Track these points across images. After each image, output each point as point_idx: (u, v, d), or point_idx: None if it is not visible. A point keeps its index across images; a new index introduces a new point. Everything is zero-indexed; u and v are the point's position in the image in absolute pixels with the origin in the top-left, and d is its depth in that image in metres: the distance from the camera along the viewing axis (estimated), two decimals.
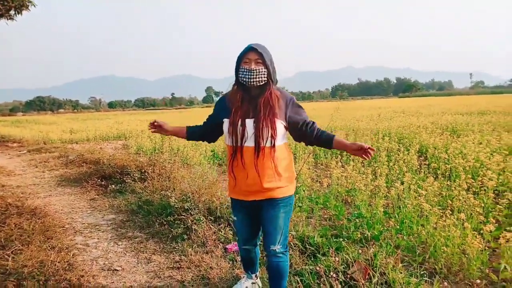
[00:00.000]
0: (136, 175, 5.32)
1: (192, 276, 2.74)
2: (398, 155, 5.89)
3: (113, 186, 5.24)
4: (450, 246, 2.67)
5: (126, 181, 5.18)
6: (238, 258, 2.95)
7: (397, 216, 3.57)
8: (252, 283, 2.47)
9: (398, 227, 3.27)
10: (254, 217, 2.19)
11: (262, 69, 1.98)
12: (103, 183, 5.44)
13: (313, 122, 2.10)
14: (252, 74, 1.96)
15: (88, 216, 4.27)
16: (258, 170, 1.98)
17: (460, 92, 76.83)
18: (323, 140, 2.06)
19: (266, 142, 1.96)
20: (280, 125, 2.00)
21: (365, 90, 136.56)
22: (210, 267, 2.81)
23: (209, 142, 2.32)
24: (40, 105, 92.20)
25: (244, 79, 1.99)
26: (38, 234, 3.35)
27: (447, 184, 4.09)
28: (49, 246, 3.16)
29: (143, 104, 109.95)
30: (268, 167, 2.00)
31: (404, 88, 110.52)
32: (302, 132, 2.08)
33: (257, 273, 2.52)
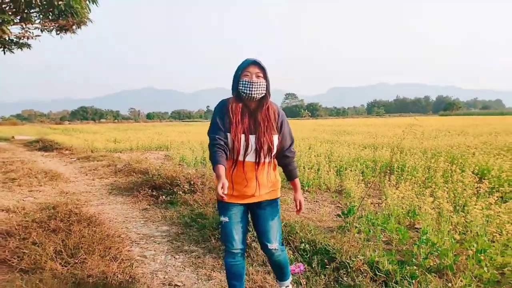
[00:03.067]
0: (186, 186, 5.31)
1: None
2: (453, 176, 5.51)
3: (163, 197, 5.26)
4: None
5: (177, 192, 5.17)
6: (304, 281, 2.78)
7: (474, 245, 3.26)
8: None
9: (480, 256, 2.96)
10: (246, 219, 2.24)
11: (262, 82, 2.05)
12: (153, 193, 5.48)
13: (294, 152, 2.28)
14: (252, 86, 2.03)
15: (142, 227, 4.27)
16: (258, 180, 2.13)
17: None
18: (289, 173, 2.29)
19: (266, 157, 2.10)
20: (276, 139, 2.13)
21: (402, 107, 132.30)
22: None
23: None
24: (84, 114, 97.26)
25: (245, 91, 2.04)
26: (98, 243, 3.36)
27: None
28: (109, 257, 3.15)
29: (179, 116, 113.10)
30: (265, 178, 2.16)
31: (445, 106, 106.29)
32: (282, 153, 2.22)
33: None
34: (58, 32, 11.43)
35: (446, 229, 3.66)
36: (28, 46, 12.34)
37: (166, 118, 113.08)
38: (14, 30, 11.19)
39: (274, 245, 2.21)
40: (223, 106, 2.13)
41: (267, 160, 2.12)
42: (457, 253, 3.20)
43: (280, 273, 2.39)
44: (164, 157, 11.11)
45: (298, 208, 2.29)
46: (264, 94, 2.09)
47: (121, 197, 5.74)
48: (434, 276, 2.79)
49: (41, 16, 10.83)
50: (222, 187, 1.89)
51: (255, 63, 2.05)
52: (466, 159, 7.33)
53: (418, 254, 3.17)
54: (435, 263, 3.05)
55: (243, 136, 2.05)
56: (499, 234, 3.14)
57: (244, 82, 2.04)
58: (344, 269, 2.82)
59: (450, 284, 2.54)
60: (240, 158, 2.08)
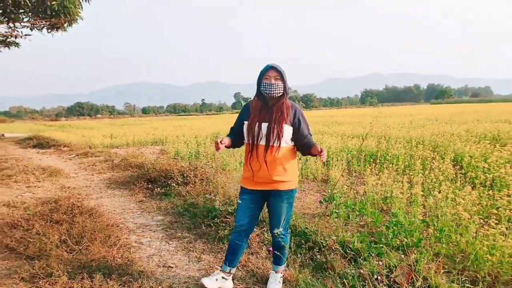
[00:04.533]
0: (179, 179, 5.64)
1: (241, 275, 2.96)
2: (433, 163, 5.87)
3: (158, 189, 5.59)
4: (497, 255, 2.71)
5: (171, 184, 5.51)
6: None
7: (436, 225, 3.63)
8: (223, 277, 2.71)
9: (437, 235, 3.34)
10: (258, 204, 2.65)
11: (280, 84, 2.50)
12: (149, 186, 5.81)
13: (310, 139, 2.54)
14: (271, 87, 2.48)
15: (139, 217, 4.61)
16: (267, 164, 2.48)
17: (504, 99, 71.60)
18: (309, 146, 2.50)
19: (275, 141, 2.46)
20: (287, 129, 2.49)
21: (394, 96, 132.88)
22: (257, 267, 3.02)
23: (239, 147, 2.75)
24: (80, 110, 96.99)
25: (265, 91, 2.50)
26: (99, 232, 3.70)
27: (488, 194, 4.08)
28: (109, 243, 3.49)
29: (175, 109, 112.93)
30: (275, 163, 2.49)
31: (436, 94, 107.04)
32: (301, 142, 2.54)
33: (233, 270, 2.76)
34: (49, 30, 11.52)
35: (416, 211, 4.02)
36: (16, 44, 12.33)
37: (162, 112, 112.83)
38: (1, 29, 11.21)
39: (278, 230, 2.64)
40: (246, 106, 2.66)
41: (275, 144, 2.46)
42: (423, 232, 3.56)
43: (276, 256, 2.75)
44: (159, 152, 11.41)
45: (320, 152, 2.34)
46: (281, 94, 2.53)
47: (118, 190, 6.08)
48: (399, 253, 3.14)
49: (30, 14, 10.87)
50: (221, 141, 2.50)
51: (273, 68, 2.49)
52: (447, 147, 7.69)
53: (386, 234, 3.54)
54: (402, 242, 3.40)
55: (257, 123, 2.50)
56: (452, 215, 3.50)
57: (264, 84, 2.50)
58: (318, 248, 3.18)
59: (413, 257, 2.88)
60: (254, 142, 2.51)
